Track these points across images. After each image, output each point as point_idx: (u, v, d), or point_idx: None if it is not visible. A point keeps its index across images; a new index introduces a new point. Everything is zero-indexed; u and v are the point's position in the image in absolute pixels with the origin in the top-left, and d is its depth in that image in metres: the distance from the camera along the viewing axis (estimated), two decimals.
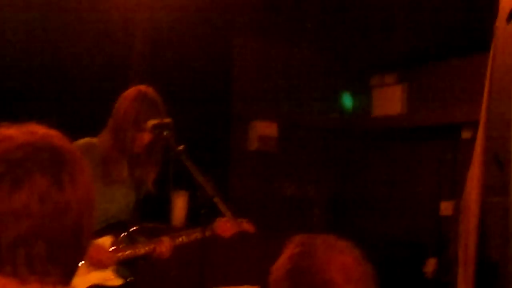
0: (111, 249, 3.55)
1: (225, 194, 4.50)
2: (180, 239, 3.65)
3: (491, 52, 4.20)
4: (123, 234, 3.61)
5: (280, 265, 1.67)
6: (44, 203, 1.19)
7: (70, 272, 1.24)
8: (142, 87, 3.65)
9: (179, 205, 5.92)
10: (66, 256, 1.22)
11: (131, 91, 3.63)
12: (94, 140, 3.61)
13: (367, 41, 7.00)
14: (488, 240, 4.19)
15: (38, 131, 1.27)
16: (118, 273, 3.58)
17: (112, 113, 3.62)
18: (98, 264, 3.48)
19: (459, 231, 4.30)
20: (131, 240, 3.65)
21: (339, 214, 7.28)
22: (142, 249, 3.58)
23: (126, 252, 3.57)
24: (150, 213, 4.31)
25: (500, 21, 4.11)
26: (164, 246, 3.59)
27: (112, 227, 3.59)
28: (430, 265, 6.51)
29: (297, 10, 6.87)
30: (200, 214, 3.54)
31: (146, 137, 3.54)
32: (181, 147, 3.44)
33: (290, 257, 1.67)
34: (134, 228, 3.67)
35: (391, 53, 7.00)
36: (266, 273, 1.74)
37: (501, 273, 4.04)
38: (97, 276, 3.51)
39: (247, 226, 3.82)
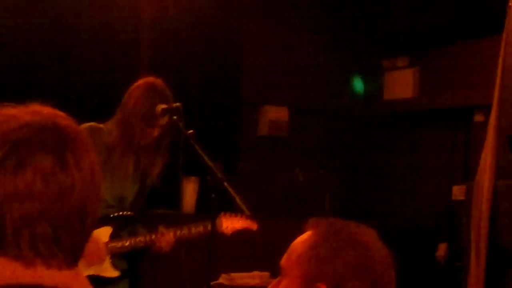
0: (108, 241, 3.51)
1: (235, 179, 4.48)
2: (182, 232, 3.60)
3: (504, 33, 4.15)
4: (121, 225, 3.58)
5: (313, 243, 1.59)
6: (48, 183, 1.17)
7: (75, 254, 1.23)
8: (151, 79, 3.61)
9: (189, 191, 5.92)
10: (71, 237, 1.20)
11: (140, 84, 3.59)
12: (100, 125, 3.57)
13: (379, 24, 6.95)
14: (500, 223, 4.16)
15: (42, 111, 1.25)
16: (115, 265, 3.55)
17: (121, 106, 3.59)
18: (90, 257, 3.42)
19: (471, 215, 4.28)
20: (131, 231, 3.61)
21: (351, 199, 7.26)
22: (141, 241, 3.54)
23: (126, 244, 3.52)
24: (160, 199, 4.30)
25: None
26: (165, 240, 3.55)
27: (112, 218, 3.54)
28: (442, 249, 6.49)
29: None
30: (210, 199, 3.53)
31: (155, 131, 3.52)
32: (190, 132, 3.42)
33: (314, 234, 1.60)
34: (133, 218, 3.62)
35: (403, 36, 6.95)
36: (276, 259, 1.70)
37: None
38: (94, 269, 3.46)
39: (249, 224, 3.78)
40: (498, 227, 4.18)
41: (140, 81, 3.61)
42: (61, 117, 1.26)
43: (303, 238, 1.62)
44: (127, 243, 3.53)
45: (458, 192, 6.37)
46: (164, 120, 3.49)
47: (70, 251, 1.20)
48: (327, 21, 7.07)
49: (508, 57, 4.14)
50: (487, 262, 4.15)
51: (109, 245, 3.51)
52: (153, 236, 3.54)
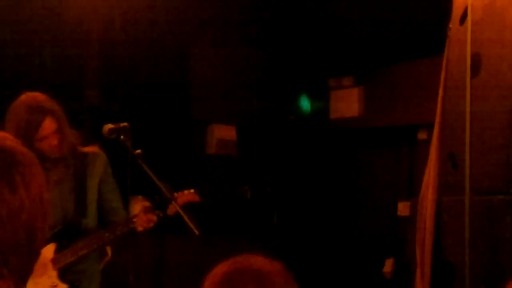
0: (53, 256, 3.48)
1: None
2: (94, 244, 3.57)
3: (445, 53, 4.27)
4: (64, 238, 3.55)
5: (216, 271, 1.65)
6: None
7: (24, 275, 1.23)
8: (32, 93, 3.52)
9: (137, 210, 5.87)
10: (20, 259, 1.20)
11: (19, 100, 3.49)
12: None
13: (325, 44, 7.05)
14: (444, 239, 4.25)
15: None
16: (63, 278, 3.52)
17: (7, 126, 3.45)
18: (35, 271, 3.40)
19: (416, 231, 4.36)
20: (73, 244, 3.57)
21: (298, 216, 7.30)
22: (118, 231, 3.52)
23: (69, 255, 3.50)
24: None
25: (454, 23, 4.19)
26: (146, 216, 3.51)
27: (54, 235, 3.51)
28: (389, 265, 6.57)
29: (254, 14, 6.89)
30: (158, 218, 3.53)
31: (51, 141, 3.45)
32: (138, 152, 3.42)
33: (227, 263, 1.65)
34: (74, 229, 3.59)
35: (348, 56, 7.06)
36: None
37: (457, 272, 4.10)
38: (42, 283, 3.44)
39: (191, 196, 3.71)
40: (442, 242, 4.27)
41: (18, 98, 3.52)
42: (9, 139, 1.26)
43: None
44: (69, 255, 3.51)
45: (403, 208, 6.48)
46: (46, 131, 3.41)
47: (19, 272, 1.21)
48: (274, 41, 7.14)
49: (449, 77, 4.26)
50: (432, 277, 4.23)
51: (55, 260, 3.49)
52: (134, 219, 3.53)
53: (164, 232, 3.58)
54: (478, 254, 3.98)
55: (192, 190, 3.67)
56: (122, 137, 3.45)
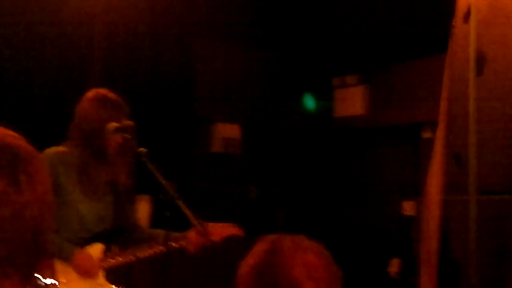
0: (102, 257, 3.53)
1: (189, 197, 4.49)
2: (146, 253, 3.62)
3: (449, 52, 4.26)
4: (112, 240, 3.60)
5: (248, 260, 1.69)
6: (2, 204, 1.17)
7: (28, 273, 1.22)
8: (103, 91, 3.61)
9: (143, 209, 5.89)
10: (25, 257, 1.20)
11: (93, 96, 3.58)
12: (62, 148, 3.56)
13: (329, 42, 7.05)
14: (449, 238, 4.24)
15: None
16: (110, 280, 3.57)
17: (76, 123, 3.57)
18: (85, 273, 3.46)
19: (421, 230, 4.35)
20: (125, 249, 3.63)
21: (304, 215, 7.30)
22: (171, 247, 3.56)
23: (119, 258, 3.56)
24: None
25: (457, 21, 4.17)
26: (193, 241, 3.56)
27: (102, 235, 3.57)
28: (394, 265, 6.56)
29: (258, 12, 6.89)
30: (163, 217, 3.54)
31: (119, 138, 3.51)
32: (143, 150, 3.43)
33: (257, 253, 1.69)
34: (123, 231, 3.66)
35: (352, 55, 7.06)
36: (230, 277, 1.74)
37: (463, 270, 4.09)
38: (90, 284, 3.49)
39: (235, 230, 3.82)
40: (447, 241, 4.26)
41: (90, 94, 3.59)
42: (13, 136, 1.26)
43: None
44: (121, 258, 3.56)
45: (408, 207, 6.47)
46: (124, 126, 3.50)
47: (24, 271, 1.20)
48: (278, 40, 7.14)
49: (452, 75, 4.25)
50: (438, 276, 4.22)
51: (103, 261, 3.53)
52: (189, 239, 3.57)
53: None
54: (484, 254, 3.97)
55: (233, 224, 3.77)
56: (126, 135, 3.46)
